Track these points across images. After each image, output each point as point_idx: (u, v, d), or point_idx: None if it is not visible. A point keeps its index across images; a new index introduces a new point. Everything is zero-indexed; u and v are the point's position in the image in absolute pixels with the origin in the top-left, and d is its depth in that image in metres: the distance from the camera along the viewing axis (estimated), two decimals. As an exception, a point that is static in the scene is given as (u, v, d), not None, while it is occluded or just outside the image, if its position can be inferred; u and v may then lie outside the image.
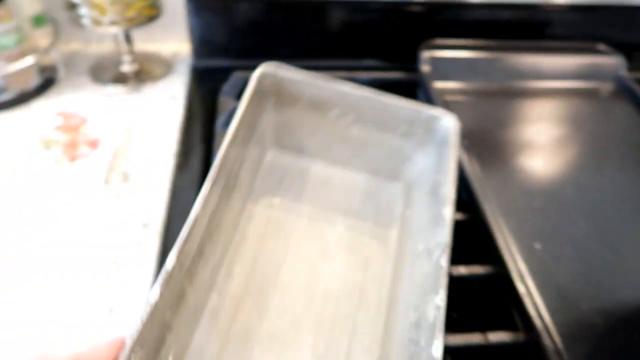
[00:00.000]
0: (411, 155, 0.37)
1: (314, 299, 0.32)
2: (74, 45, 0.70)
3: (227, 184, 0.33)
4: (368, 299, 0.32)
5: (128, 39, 0.63)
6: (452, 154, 0.33)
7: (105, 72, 0.65)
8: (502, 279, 0.38)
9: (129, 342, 0.24)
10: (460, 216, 0.44)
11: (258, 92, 0.35)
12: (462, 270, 0.38)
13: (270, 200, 0.37)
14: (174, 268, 0.26)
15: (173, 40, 0.72)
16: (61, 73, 0.62)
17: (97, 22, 0.57)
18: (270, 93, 0.36)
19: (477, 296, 0.41)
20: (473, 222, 0.43)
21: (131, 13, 0.57)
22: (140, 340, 0.24)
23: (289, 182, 0.38)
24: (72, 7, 0.57)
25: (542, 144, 0.50)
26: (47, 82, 0.62)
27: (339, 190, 0.38)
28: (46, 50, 0.59)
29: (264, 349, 0.30)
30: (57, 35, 0.62)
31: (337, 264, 0.34)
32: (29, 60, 0.56)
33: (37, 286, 0.39)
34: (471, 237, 0.44)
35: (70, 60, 0.68)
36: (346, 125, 0.37)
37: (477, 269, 0.39)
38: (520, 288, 0.35)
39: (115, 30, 0.59)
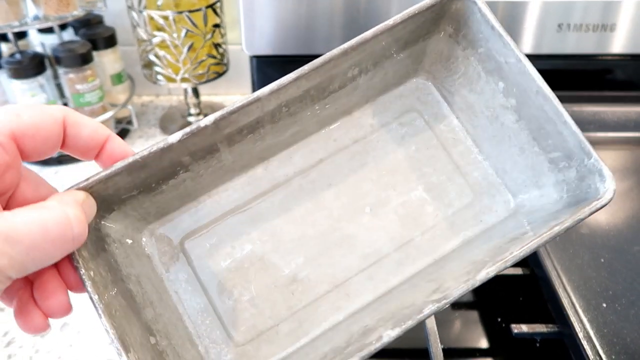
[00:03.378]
0: (545, 187, 0.29)
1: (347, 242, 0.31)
2: (146, 98, 0.76)
3: (325, 86, 0.29)
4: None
5: (195, 92, 0.68)
6: (577, 218, 0.25)
7: (173, 123, 0.70)
8: (567, 340, 0.37)
9: (129, 159, 0.24)
10: (519, 271, 0.43)
11: (437, 12, 0.28)
12: (524, 328, 0.38)
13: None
14: (206, 126, 0.25)
15: (235, 91, 0.77)
16: (135, 124, 0.67)
17: (170, 79, 0.62)
18: (453, 19, 0.29)
19: (540, 356, 0.40)
20: (533, 277, 0.42)
21: (201, 70, 0.62)
22: (139, 164, 0.24)
23: (407, 117, 0.32)
24: (149, 66, 0.62)
25: (606, 196, 0.49)
26: (121, 133, 0.67)
27: (446, 162, 0.32)
28: (123, 105, 0.64)
29: (262, 234, 0.31)
30: (132, 90, 0.67)
31: (385, 220, 0.31)
32: (108, 114, 0.61)
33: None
34: (532, 293, 0.43)
35: (142, 111, 0.73)
36: (503, 105, 0.29)
37: (540, 328, 0.38)
38: (588, 350, 0.34)
39: (186, 85, 0.63)
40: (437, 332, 0.39)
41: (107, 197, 0.26)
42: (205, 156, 0.28)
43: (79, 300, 0.46)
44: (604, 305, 0.37)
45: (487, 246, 0.29)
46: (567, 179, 0.28)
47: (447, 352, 0.40)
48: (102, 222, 0.27)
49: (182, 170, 0.28)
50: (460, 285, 0.24)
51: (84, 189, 0.24)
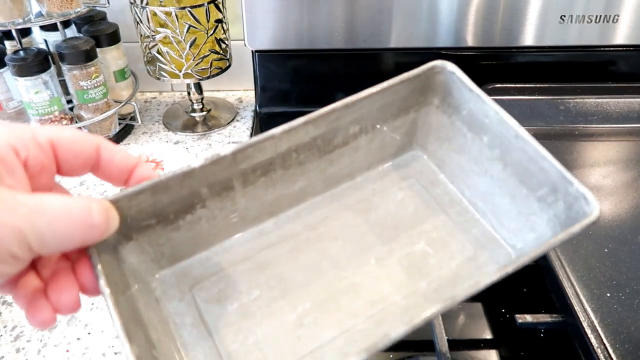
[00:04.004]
0: (539, 228, 0.31)
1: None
2: (149, 94, 0.77)
3: (330, 137, 0.32)
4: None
5: (199, 87, 0.68)
6: (570, 232, 0.27)
7: (177, 119, 0.70)
8: (571, 330, 0.37)
9: (155, 180, 0.26)
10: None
11: (424, 83, 0.33)
12: (528, 318, 0.38)
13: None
14: (225, 156, 0.27)
15: (238, 87, 0.77)
16: (138, 120, 0.67)
17: (173, 75, 0.62)
18: (438, 91, 0.33)
19: (544, 347, 0.40)
20: (537, 268, 0.42)
21: (204, 66, 0.62)
22: (162, 185, 0.26)
23: (405, 183, 0.36)
24: (152, 62, 0.63)
25: (609, 187, 0.49)
26: (125, 130, 0.67)
27: (445, 220, 0.34)
28: (127, 101, 0.64)
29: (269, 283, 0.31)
30: (136, 86, 0.68)
31: (391, 269, 0.32)
32: (111, 111, 0.61)
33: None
34: (536, 284, 0.43)
35: (145, 107, 0.73)
36: (489, 158, 0.33)
37: (544, 318, 0.38)
38: (592, 339, 0.34)
39: (189, 81, 0.64)
40: (442, 324, 0.39)
41: (129, 219, 0.27)
42: (221, 192, 0.30)
43: (87, 297, 0.46)
44: (608, 294, 0.38)
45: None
46: (557, 213, 0.30)
47: (452, 343, 0.40)
48: (120, 249, 0.28)
49: (199, 205, 0.30)
50: (468, 290, 0.25)
51: (111, 202, 0.25)
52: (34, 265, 0.24)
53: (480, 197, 0.34)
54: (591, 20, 0.58)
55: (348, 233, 0.33)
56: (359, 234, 0.33)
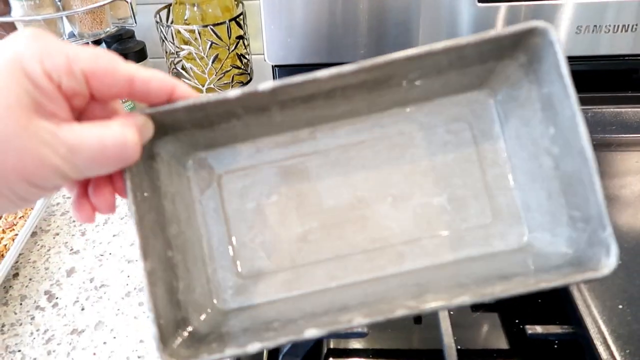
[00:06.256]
0: (558, 238, 0.30)
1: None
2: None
3: (383, 80, 0.30)
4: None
5: (221, 101, 0.70)
6: (567, 281, 0.26)
7: (201, 131, 0.73)
8: (582, 341, 0.37)
9: (191, 101, 0.27)
10: (537, 273, 0.43)
11: (514, 40, 0.28)
12: (538, 329, 0.38)
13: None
14: (263, 92, 0.27)
15: (260, 99, 0.79)
16: (164, 133, 0.70)
17: (197, 90, 0.65)
18: (529, 52, 0.29)
19: (557, 358, 0.40)
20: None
21: (226, 80, 0.64)
22: (198, 106, 0.27)
23: (456, 126, 0.33)
24: (177, 77, 0.65)
25: (626, 198, 0.48)
26: (152, 141, 0.70)
27: (477, 179, 0.33)
28: (153, 115, 0.67)
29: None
30: (162, 100, 0.71)
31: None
32: (139, 124, 0.64)
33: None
34: (549, 294, 0.43)
35: (172, 121, 0.76)
36: (547, 150, 0.31)
37: (555, 329, 0.38)
38: (602, 352, 0.34)
39: (211, 95, 0.66)
40: (451, 334, 0.39)
41: (165, 124, 0.28)
42: (257, 112, 0.31)
43: (113, 304, 0.48)
44: (620, 306, 0.38)
45: (481, 272, 0.30)
46: (579, 240, 0.28)
47: (465, 353, 0.41)
48: (156, 142, 0.30)
49: (235, 119, 0.31)
50: (433, 303, 0.26)
51: (147, 115, 0.27)
52: None
53: (524, 173, 0.32)
54: (609, 30, 0.58)
55: (377, 165, 0.33)
56: (387, 170, 0.33)
